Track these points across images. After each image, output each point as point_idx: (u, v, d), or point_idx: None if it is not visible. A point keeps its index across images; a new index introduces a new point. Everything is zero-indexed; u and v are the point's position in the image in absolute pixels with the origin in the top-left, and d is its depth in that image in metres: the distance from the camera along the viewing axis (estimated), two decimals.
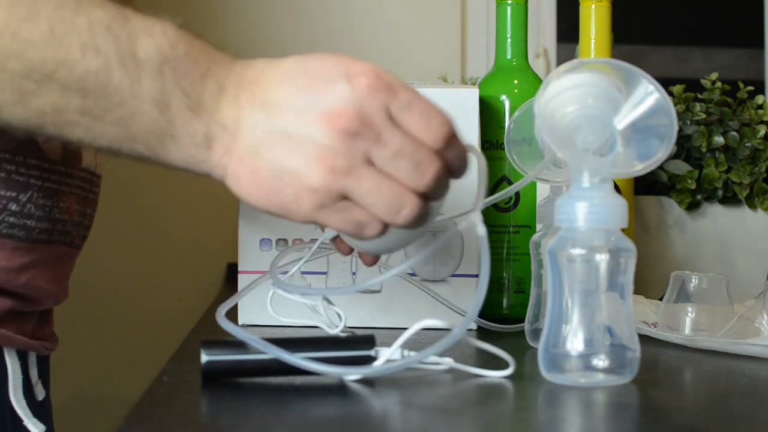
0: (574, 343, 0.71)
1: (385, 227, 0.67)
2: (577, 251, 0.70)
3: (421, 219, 0.66)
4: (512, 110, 1.08)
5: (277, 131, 0.64)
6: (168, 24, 0.66)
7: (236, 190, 0.67)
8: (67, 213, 0.90)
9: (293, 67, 0.66)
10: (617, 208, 0.69)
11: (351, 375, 0.70)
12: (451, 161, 0.66)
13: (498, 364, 0.76)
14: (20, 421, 0.88)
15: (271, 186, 0.65)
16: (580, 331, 0.70)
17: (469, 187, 1.00)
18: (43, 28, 0.64)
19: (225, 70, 0.66)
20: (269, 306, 0.82)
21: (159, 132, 0.66)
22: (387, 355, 0.72)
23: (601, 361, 0.71)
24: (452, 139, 0.66)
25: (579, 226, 0.70)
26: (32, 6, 0.64)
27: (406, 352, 0.73)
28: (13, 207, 0.84)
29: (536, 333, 0.87)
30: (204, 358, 0.69)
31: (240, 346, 0.70)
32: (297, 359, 0.68)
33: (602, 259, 0.70)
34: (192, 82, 0.65)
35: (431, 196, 0.66)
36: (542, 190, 1.02)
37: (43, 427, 0.90)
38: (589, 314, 0.71)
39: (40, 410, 0.92)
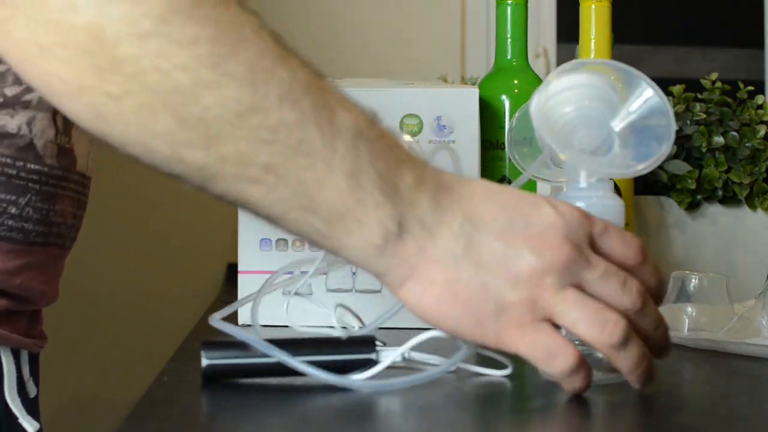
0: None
1: (580, 363, 0.63)
2: None
3: (628, 343, 0.63)
4: (512, 110, 1.08)
5: (485, 244, 0.62)
6: (362, 106, 0.63)
7: (419, 299, 0.63)
8: (62, 216, 0.91)
9: (489, 185, 0.65)
10: (614, 209, 0.71)
11: (358, 386, 0.70)
12: (647, 281, 0.65)
13: (498, 363, 0.76)
14: (15, 418, 0.89)
15: (470, 298, 0.62)
16: None
17: None
18: (243, 68, 0.60)
19: (421, 166, 0.64)
20: (285, 311, 0.82)
21: (345, 209, 0.61)
22: (388, 361, 0.72)
23: (599, 361, 0.70)
24: (647, 257, 0.65)
25: None
26: (234, 45, 0.60)
27: (408, 354, 0.73)
28: (13, 210, 0.85)
29: None
30: (204, 361, 0.69)
31: (240, 347, 0.70)
32: (307, 367, 0.68)
33: None
34: (388, 166, 0.62)
35: (638, 320, 0.64)
36: (542, 191, 1.02)
37: (37, 425, 0.91)
38: None
39: (32, 407, 0.93)
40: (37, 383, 0.96)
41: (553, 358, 0.63)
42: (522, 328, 0.62)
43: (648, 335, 0.65)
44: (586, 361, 0.64)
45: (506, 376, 0.74)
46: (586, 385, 0.64)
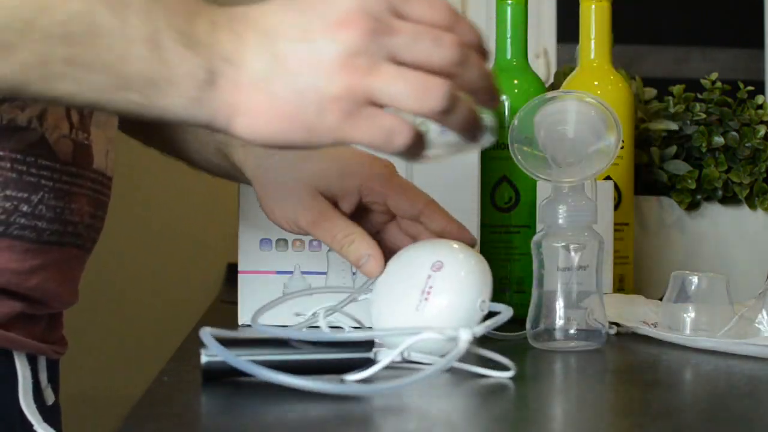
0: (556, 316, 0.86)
1: (417, 137, 0.64)
2: (558, 243, 0.86)
3: (454, 106, 0.63)
4: (512, 110, 1.08)
5: (288, 51, 0.62)
6: None
7: (250, 128, 0.63)
8: (78, 215, 0.88)
9: None
10: (589, 208, 0.86)
11: (350, 391, 0.70)
12: (464, 35, 0.64)
13: (499, 363, 0.76)
14: (30, 426, 0.86)
15: (291, 109, 0.62)
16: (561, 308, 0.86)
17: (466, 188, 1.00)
18: None
19: (213, 9, 0.64)
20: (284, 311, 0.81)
21: (154, 74, 0.62)
22: (386, 362, 0.72)
23: (574, 331, 0.86)
24: (459, 16, 0.64)
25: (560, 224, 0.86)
26: None
27: (405, 353, 0.73)
28: (24, 208, 0.82)
29: (539, 335, 0.87)
30: (204, 359, 0.69)
31: (240, 345, 0.70)
32: (295, 380, 0.68)
33: (578, 247, 0.86)
34: (184, 20, 0.62)
35: (460, 75, 0.64)
36: (543, 191, 1.02)
37: None
38: (567, 294, 0.86)
39: (50, 415, 0.90)
40: (56, 390, 0.93)
41: (392, 136, 0.63)
42: (352, 119, 0.62)
43: (474, 87, 0.65)
44: (418, 130, 0.64)
45: (510, 378, 0.74)
46: (423, 150, 0.65)
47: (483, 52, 0.66)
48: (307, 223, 0.85)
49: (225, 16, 0.64)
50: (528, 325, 0.89)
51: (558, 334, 0.86)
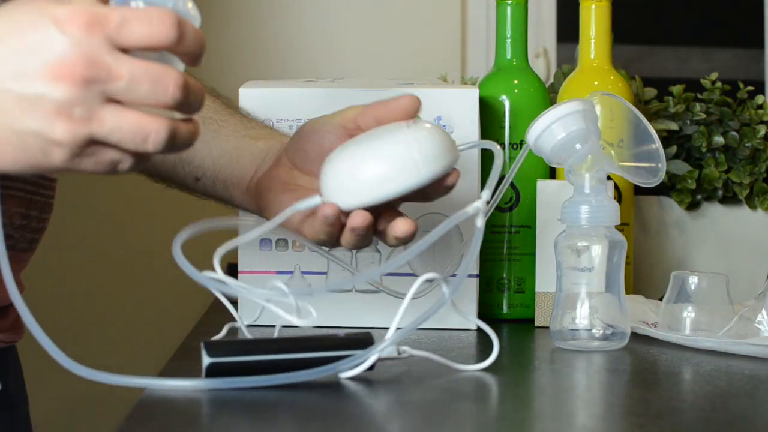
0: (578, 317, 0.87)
1: (142, 158, 0.64)
2: (581, 243, 0.87)
3: (180, 138, 0.64)
4: (512, 110, 1.08)
5: (8, 97, 0.61)
6: None
7: None
8: (8, 216, 0.88)
9: (1, 34, 0.62)
10: (612, 209, 0.87)
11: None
12: (189, 52, 0.64)
13: (499, 361, 0.76)
14: None
15: (15, 149, 0.62)
16: (582, 308, 0.87)
17: (471, 186, 1.00)
18: None
19: None
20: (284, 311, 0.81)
21: None
22: (379, 349, 0.72)
23: (597, 332, 0.87)
24: (181, 29, 0.62)
25: (582, 224, 0.87)
26: None
27: (402, 348, 0.74)
28: None
29: (561, 333, 0.87)
30: (206, 360, 0.69)
31: (241, 346, 0.70)
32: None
33: (599, 248, 0.87)
34: None
35: (186, 107, 0.64)
36: (543, 191, 1.02)
37: None
38: (588, 294, 0.87)
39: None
40: (5, 377, 0.92)
41: (117, 165, 0.64)
42: (77, 158, 0.63)
43: (195, 109, 0.65)
44: (139, 154, 0.64)
45: (508, 377, 0.74)
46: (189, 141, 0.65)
47: (196, 57, 0.65)
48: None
49: None
50: (551, 325, 0.89)
51: (581, 334, 0.87)
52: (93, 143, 0.62)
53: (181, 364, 0.78)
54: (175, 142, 0.64)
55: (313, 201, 0.78)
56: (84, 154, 0.63)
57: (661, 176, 0.86)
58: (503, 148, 1.07)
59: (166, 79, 0.62)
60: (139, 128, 0.62)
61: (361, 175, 0.76)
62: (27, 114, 0.61)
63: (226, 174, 0.90)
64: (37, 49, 0.61)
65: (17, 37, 0.61)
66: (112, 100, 0.62)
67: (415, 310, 0.97)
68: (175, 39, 0.62)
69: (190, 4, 0.65)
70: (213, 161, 0.90)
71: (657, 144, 0.88)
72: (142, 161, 0.65)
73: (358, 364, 0.71)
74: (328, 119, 0.82)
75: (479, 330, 0.99)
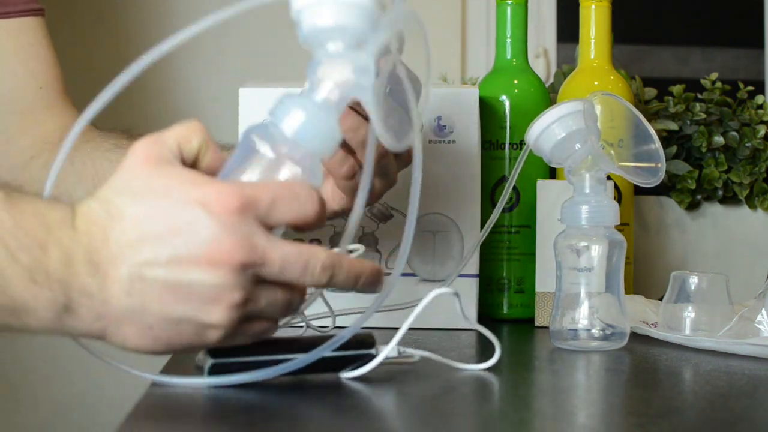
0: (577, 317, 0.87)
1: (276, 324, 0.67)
2: (581, 243, 0.87)
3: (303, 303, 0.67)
4: (512, 110, 1.08)
5: (158, 285, 0.61)
6: None
7: (125, 346, 0.64)
8: None
9: (140, 217, 0.61)
10: (612, 209, 0.87)
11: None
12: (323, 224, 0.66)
13: (499, 361, 0.76)
14: None
15: (169, 336, 0.63)
16: (582, 308, 0.87)
17: (468, 188, 1.00)
18: None
19: (67, 235, 0.61)
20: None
21: (9, 308, 0.61)
22: (385, 352, 0.72)
23: (596, 332, 0.87)
24: (322, 206, 0.64)
25: (582, 224, 0.87)
26: None
27: (402, 349, 0.74)
28: None
29: (561, 333, 0.87)
30: (209, 361, 0.69)
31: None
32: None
33: (599, 248, 0.87)
34: (32, 256, 0.61)
35: (333, 285, 0.66)
36: (543, 191, 1.02)
37: None
38: (586, 294, 0.87)
39: None
40: None
41: (264, 333, 0.66)
42: (230, 337, 0.64)
43: (347, 286, 0.67)
44: (300, 289, 0.65)
45: (509, 378, 0.74)
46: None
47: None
48: None
49: (82, 245, 0.61)
50: (551, 325, 0.89)
51: (580, 334, 0.87)
52: (247, 320, 0.64)
53: (182, 365, 0.78)
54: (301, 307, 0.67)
55: None
56: (238, 333, 0.64)
57: (661, 176, 0.86)
58: (503, 148, 1.07)
59: (314, 262, 0.63)
60: (287, 303, 0.64)
61: None
62: (182, 301, 0.61)
63: None
64: (188, 236, 0.61)
65: (163, 222, 0.61)
66: (267, 281, 0.63)
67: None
68: (319, 218, 0.64)
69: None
70: None
71: (657, 144, 0.88)
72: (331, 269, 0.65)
73: (363, 365, 0.71)
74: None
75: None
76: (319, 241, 0.99)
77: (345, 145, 0.79)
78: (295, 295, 0.65)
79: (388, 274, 0.99)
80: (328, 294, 0.95)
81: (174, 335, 0.63)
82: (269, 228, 0.63)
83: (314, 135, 0.64)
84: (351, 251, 0.74)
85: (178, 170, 0.63)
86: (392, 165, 0.82)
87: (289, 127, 0.64)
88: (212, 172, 0.65)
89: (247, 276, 0.61)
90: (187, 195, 0.61)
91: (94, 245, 0.61)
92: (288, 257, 0.62)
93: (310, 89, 0.65)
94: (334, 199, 0.84)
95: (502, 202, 0.94)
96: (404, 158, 0.83)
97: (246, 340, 0.65)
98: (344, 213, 0.85)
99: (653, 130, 0.88)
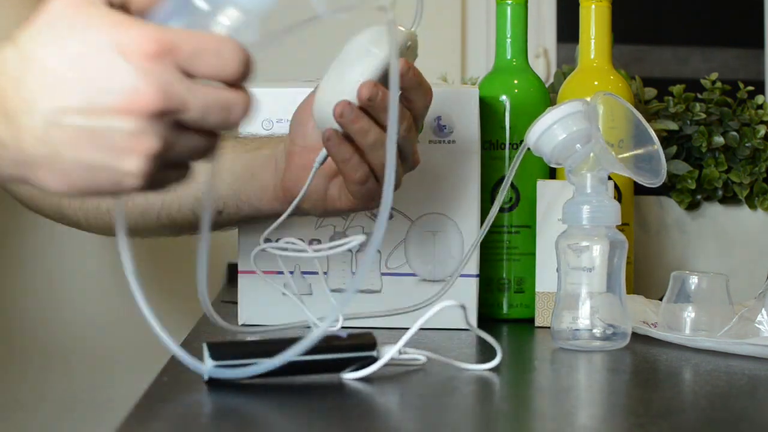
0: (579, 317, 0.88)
1: (241, 98, 0.62)
2: (582, 242, 0.88)
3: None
4: (512, 110, 1.08)
5: (73, 132, 0.59)
6: None
7: (47, 190, 0.62)
8: None
9: (55, 63, 0.59)
10: (613, 209, 0.87)
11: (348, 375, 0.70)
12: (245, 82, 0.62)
13: (501, 363, 0.76)
14: None
15: (86, 182, 0.61)
16: (583, 308, 0.88)
17: (465, 185, 1.00)
18: None
19: None
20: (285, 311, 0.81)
21: None
22: (388, 356, 0.72)
23: (597, 332, 0.87)
24: (248, 67, 0.61)
25: (583, 224, 0.87)
26: None
27: (403, 350, 0.74)
28: None
29: (562, 333, 0.87)
30: (209, 363, 0.69)
31: (244, 349, 0.70)
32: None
33: (600, 248, 0.87)
34: None
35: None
36: (543, 191, 1.02)
37: None
38: (588, 294, 0.88)
39: None
40: None
41: (190, 177, 0.63)
42: (149, 182, 0.61)
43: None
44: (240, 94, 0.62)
45: (509, 378, 0.74)
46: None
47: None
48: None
49: None
50: (552, 325, 0.89)
51: (582, 334, 0.87)
52: (165, 167, 0.62)
53: (182, 365, 0.78)
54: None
55: (320, 155, 0.83)
56: (156, 180, 0.62)
57: (663, 176, 0.87)
58: (503, 149, 1.07)
59: (236, 107, 0.61)
60: (204, 149, 0.62)
61: (332, 86, 0.80)
62: (95, 148, 0.60)
63: (248, 193, 0.92)
64: (103, 82, 0.59)
65: (79, 67, 0.59)
66: (183, 128, 0.61)
67: (417, 311, 0.98)
68: (241, 76, 0.61)
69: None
70: (229, 187, 0.92)
71: (657, 145, 0.88)
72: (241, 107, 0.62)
73: (365, 366, 0.71)
74: (312, 94, 0.85)
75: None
76: (319, 241, 0.99)
77: (358, 148, 0.81)
78: (212, 141, 0.62)
79: (389, 274, 0.99)
80: (334, 293, 0.96)
81: (90, 182, 0.61)
82: (190, 78, 0.60)
83: None
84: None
85: (101, 11, 0.60)
86: (398, 169, 0.83)
87: None
88: (142, 15, 0.62)
89: (165, 123, 0.60)
90: (106, 38, 0.59)
91: (7, 94, 0.60)
92: (209, 102, 0.60)
93: None
94: (340, 198, 0.86)
95: (499, 200, 0.94)
96: (409, 163, 0.84)
97: (163, 187, 0.63)
98: (348, 212, 0.86)
99: (653, 132, 0.88)
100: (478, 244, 0.98)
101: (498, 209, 0.94)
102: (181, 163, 0.63)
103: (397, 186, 0.84)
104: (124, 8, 0.61)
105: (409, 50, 0.82)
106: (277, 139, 0.92)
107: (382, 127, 0.80)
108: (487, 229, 0.95)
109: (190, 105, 0.59)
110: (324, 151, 0.82)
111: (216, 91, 0.60)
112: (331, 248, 0.83)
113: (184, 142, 0.61)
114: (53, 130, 0.60)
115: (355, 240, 0.79)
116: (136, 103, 0.58)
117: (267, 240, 0.92)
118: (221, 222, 0.95)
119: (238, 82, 0.61)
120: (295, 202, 0.85)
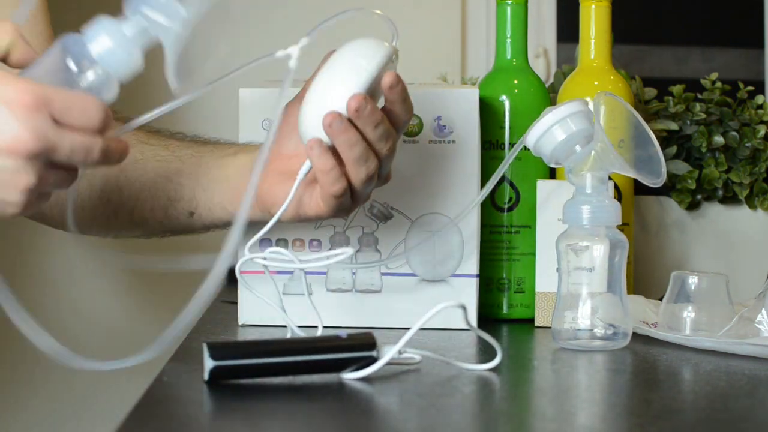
0: (580, 317, 0.88)
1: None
2: (583, 243, 0.87)
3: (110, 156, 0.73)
4: (512, 110, 1.08)
5: None
6: None
7: None
8: None
9: None
10: (614, 209, 0.87)
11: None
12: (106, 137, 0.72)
13: (499, 361, 0.76)
14: None
15: None
16: (583, 308, 0.88)
17: (463, 185, 1.00)
18: None
19: None
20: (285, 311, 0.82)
21: None
22: (388, 356, 0.72)
23: (598, 332, 0.87)
24: (107, 122, 0.72)
25: (583, 224, 0.87)
26: None
27: (403, 350, 0.74)
28: None
29: (562, 333, 0.87)
30: (210, 363, 0.69)
31: (243, 348, 0.70)
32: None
33: (601, 248, 0.87)
34: None
35: (108, 158, 0.73)
36: (543, 191, 1.02)
37: None
38: (589, 294, 0.88)
39: None
40: None
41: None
42: (29, 208, 0.73)
43: (118, 160, 0.74)
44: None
45: (508, 377, 0.74)
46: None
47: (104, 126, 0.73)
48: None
49: None
50: (552, 325, 0.89)
51: (582, 334, 0.87)
52: (41, 195, 0.73)
53: (182, 365, 0.78)
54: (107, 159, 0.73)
55: (305, 167, 0.83)
56: (33, 204, 0.73)
57: (664, 176, 0.86)
58: (503, 149, 1.07)
59: (93, 147, 0.71)
60: (69, 178, 0.73)
61: (320, 97, 0.81)
62: None
63: (221, 196, 0.94)
64: None
65: None
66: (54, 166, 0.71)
67: (417, 311, 0.97)
68: (102, 126, 0.72)
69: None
70: (203, 190, 0.95)
71: (655, 145, 0.88)
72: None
73: (364, 366, 0.71)
74: (298, 97, 0.87)
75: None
76: (319, 242, 0.99)
77: (340, 161, 0.82)
78: (74, 174, 0.73)
79: (389, 274, 0.99)
80: (314, 298, 0.96)
81: None
82: (61, 126, 0.70)
83: (116, 61, 0.73)
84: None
85: None
86: (372, 185, 0.86)
87: (97, 49, 0.73)
88: (21, 67, 0.75)
89: (38, 162, 0.70)
90: None
91: None
92: (74, 145, 0.70)
93: (125, 20, 0.74)
94: (311, 205, 0.87)
95: (488, 187, 0.94)
96: (382, 179, 0.87)
97: (38, 207, 0.74)
98: (316, 220, 0.89)
99: (652, 134, 0.88)
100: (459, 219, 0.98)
101: (488, 192, 0.93)
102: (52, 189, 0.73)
103: (365, 199, 0.87)
104: (4, 61, 0.75)
105: (393, 65, 0.84)
106: (254, 147, 0.95)
107: (368, 142, 0.82)
108: (469, 211, 0.95)
109: (59, 147, 0.70)
110: (308, 162, 0.83)
111: (80, 137, 0.71)
112: (318, 259, 0.85)
113: (53, 176, 0.72)
114: None
115: (344, 253, 0.81)
116: (15, 145, 0.69)
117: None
118: (193, 224, 0.97)
119: (99, 131, 0.72)
120: (278, 214, 0.85)
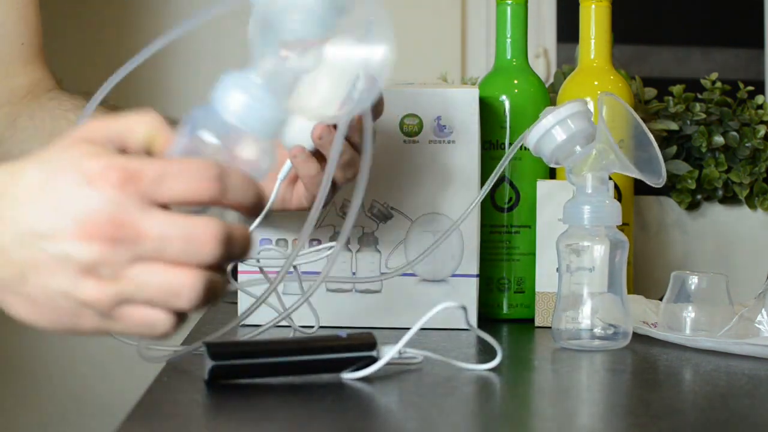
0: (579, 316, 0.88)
1: (181, 318, 0.60)
2: (583, 242, 0.88)
3: (214, 290, 0.59)
4: (512, 110, 1.08)
5: (37, 255, 0.59)
6: None
7: (17, 316, 0.61)
8: None
9: (33, 186, 0.59)
10: (614, 209, 0.88)
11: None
12: (238, 203, 0.60)
13: (501, 363, 0.76)
14: None
15: (49, 310, 0.60)
16: (584, 308, 0.88)
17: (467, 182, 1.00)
18: None
19: None
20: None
21: None
22: (388, 356, 0.72)
23: (598, 332, 0.87)
24: (224, 181, 0.59)
25: (584, 224, 0.87)
26: None
27: (403, 350, 0.74)
28: None
29: (562, 333, 0.87)
30: (210, 363, 0.69)
31: (243, 347, 0.70)
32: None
33: (601, 248, 0.88)
34: None
35: (229, 260, 0.60)
36: (543, 191, 1.02)
37: None
38: (589, 294, 0.88)
39: None
40: None
41: (154, 328, 0.60)
42: (108, 320, 0.60)
43: (244, 256, 0.61)
44: (178, 313, 0.59)
45: (508, 377, 0.74)
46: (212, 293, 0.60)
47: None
48: None
49: None
50: (552, 324, 0.89)
51: (582, 334, 0.87)
52: (123, 303, 0.59)
53: (182, 365, 0.78)
54: (211, 297, 0.59)
55: (285, 168, 0.85)
56: (114, 316, 0.59)
57: (664, 176, 0.86)
58: (503, 149, 1.07)
59: (202, 236, 0.58)
60: (168, 285, 0.58)
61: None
62: (56, 274, 0.59)
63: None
64: (67, 208, 0.58)
65: (49, 192, 0.59)
66: (144, 259, 0.58)
67: (417, 311, 0.98)
68: (217, 193, 0.58)
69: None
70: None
71: (654, 146, 0.88)
72: (181, 321, 0.60)
73: (365, 366, 0.71)
74: None
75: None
76: (319, 242, 0.99)
77: (323, 160, 0.84)
78: (183, 278, 0.58)
79: (411, 275, 0.99)
80: (314, 298, 0.96)
81: (53, 311, 0.60)
82: (160, 205, 0.58)
83: (256, 119, 0.61)
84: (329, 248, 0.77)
85: (92, 148, 0.60)
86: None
87: (231, 110, 0.61)
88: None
89: (121, 252, 0.58)
90: (79, 167, 0.59)
91: None
92: (167, 230, 0.58)
93: (255, 68, 0.63)
94: (292, 201, 0.89)
95: (487, 186, 0.94)
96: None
97: (131, 329, 0.60)
98: (296, 212, 0.90)
99: (651, 135, 0.88)
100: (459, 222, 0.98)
101: (489, 190, 0.93)
102: (146, 303, 0.59)
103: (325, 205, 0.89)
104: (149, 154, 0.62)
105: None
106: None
107: (355, 147, 0.83)
108: (470, 211, 0.95)
109: (145, 234, 0.58)
110: (288, 164, 0.85)
111: (177, 219, 0.58)
112: (307, 254, 0.87)
113: (139, 273, 0.58)
114: (19, 252, 0.59)
115: (333, 249, 0.81)
116: (91, 229, 0.58)
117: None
118: None
119: (216, 202, 0.59)
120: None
